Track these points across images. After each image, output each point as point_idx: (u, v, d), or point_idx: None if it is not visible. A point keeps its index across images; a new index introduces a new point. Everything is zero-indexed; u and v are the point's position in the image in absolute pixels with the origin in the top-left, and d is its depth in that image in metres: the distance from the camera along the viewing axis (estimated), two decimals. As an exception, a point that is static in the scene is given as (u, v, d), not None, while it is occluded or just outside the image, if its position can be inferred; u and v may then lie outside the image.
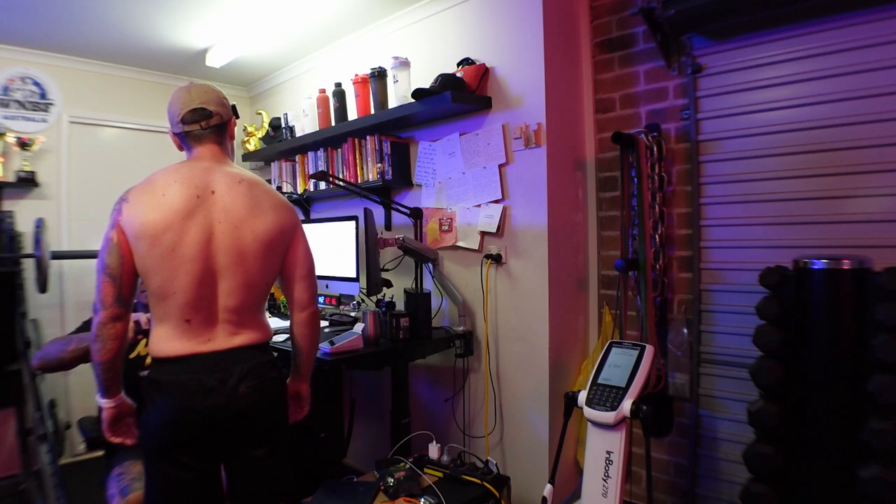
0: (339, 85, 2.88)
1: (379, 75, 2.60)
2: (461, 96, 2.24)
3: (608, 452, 1.71)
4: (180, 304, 1.31)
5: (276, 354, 1.66)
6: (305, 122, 3.09)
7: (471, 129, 2.42)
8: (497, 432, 2.39)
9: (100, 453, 2.51)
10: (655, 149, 2.09)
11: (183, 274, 1.30)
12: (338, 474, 2.06)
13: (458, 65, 2.37)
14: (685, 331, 2.10)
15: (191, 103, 1.38)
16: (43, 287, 2.56)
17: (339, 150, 2.94)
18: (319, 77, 3.25)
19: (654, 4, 1.92)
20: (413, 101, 2.35)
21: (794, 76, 1.84)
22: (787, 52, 1.85)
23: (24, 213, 2.87)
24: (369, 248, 2.26)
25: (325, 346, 1.97)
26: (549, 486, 1.84)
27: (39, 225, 2.58)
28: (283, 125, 3.28)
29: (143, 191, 1.32)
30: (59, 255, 2.80)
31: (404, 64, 2.47)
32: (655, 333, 2.06)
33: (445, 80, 2.24)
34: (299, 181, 3.29)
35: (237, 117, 1.52)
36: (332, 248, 2.78)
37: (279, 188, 3.34)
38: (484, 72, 2.32)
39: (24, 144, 2.92)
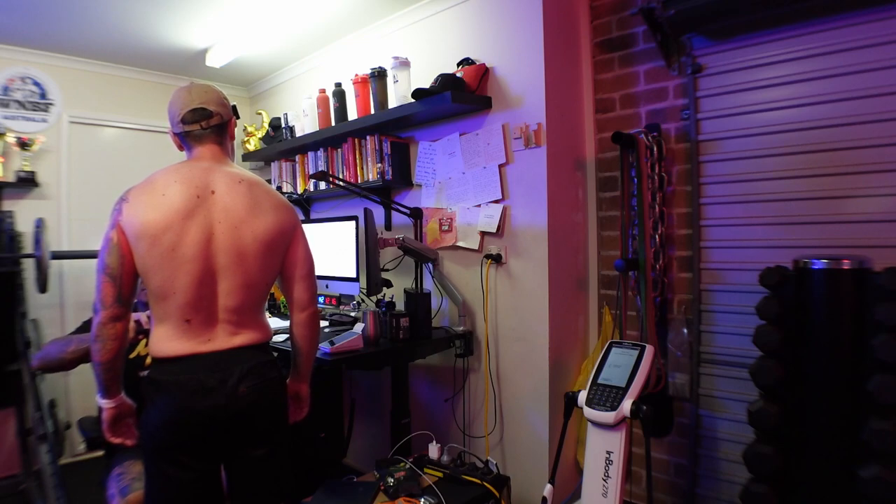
0: (339, 85, 2.88)
1: (379, 75, 2.60)
2: (461, 96, 2.24)
3: (608, 452, 1.71)
4: (180, 304, 1.31)
5: (276, 354, 1.66)
6: (305, 122, 3.09)
7: (471, 129, 2.42)
8: (497, 432, 2.39)
9: (100, 453, 2.51)
10: (655, 149, 2.09)
11: (183, 274, 1.30)
12: (338, 474, 2.06)
13: (458, 65, 2.37)
14: (685, 331, 2.10)
15: (191, 103, 1.38)
16: (43, 287, 2.56)
17: (339, 150, 2.94)
18: (319, 77, 3.25)
19: (654, 4, 1.92)
20: (413, 101, 2.35)
21: (794, 76, 1.84)
22: (787, 52, 1.85)
23: (24, 213, 2.87)
24: (369, 248, 2.26)
25: (325, 346, 1.97)
26: (549, 486, 1.84)
27: (39, 225, 2.58)
28: (283, 125, 3.28)
29: (143, 191, 1.32)
30: (59, 255, 2.80)
31: (404, 64, 2.47)
32: (655, 333, 2.06)
33: (445, 80, 2.24)
34: (299, 181, 3.29)
35: (237, 117, 1.52)
36: (332, 248, 2.78)
37: (279, 188, 3.34)
38: (484, 72, 2.32)
39: (24, 144, 2.92)
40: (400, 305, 2.46)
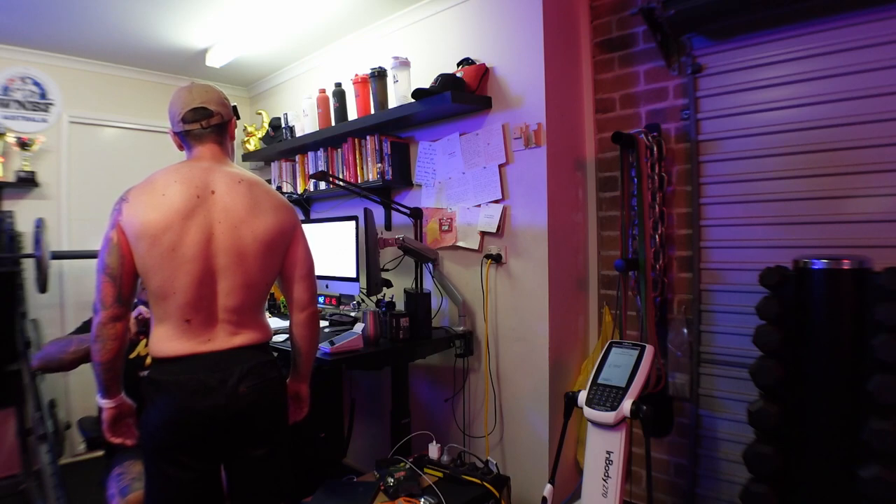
0: (339, 85, 2.88)
1: (379, 75, 2.60)
2: (461, 96, 2.24)
3: (608, 452, 1.71)
4: (180, 304, 1.31)
5: (276, 354, 1.66)
6: (305, 122, 3.09)
7: (471, 129, 2.42)
8: (497, 432, 2.39)
9: (100, 453, 2.51)
10: (655, 149, 2.09)
11: (183, 274, 1.30)
12: (338, 474, 2.06)
13: (458, 65, 2.37)
14: (685, 331, 2.10)
15: (192, 102, 1.38)
16: (43, 287, 2.56)
17: (339, 150, 2.94)
18: (319, 77, 3.25)
19: (654, 4, 1.92)
20: (413, 101, 2.35)
21: (794, 76, 1.84)
22: (787, 52, 1.85)
23: (24, 213, 2.87)
24: (369, 248, 2.26)
25: (325, 346, 1.97)
26: (549, 486, 1.84)
27: (39, 225, 2.58)
28: (283, 125, 3.28)
29: (143, 191, 1.32)
30: (59, 255, 2.80)
31: (404, 64, 2.47)
32: (655, 333, 2.06)
33: (445, 80, 2.24)
34: (299, 181, 3.29)
35: (238, 118, 1.52)
36: (332, 248, 2.78)
37: (279, 188, 3.34)
38: (484, 72, 2.32)
39: (24, 144, 2.92)
40: (400, 305, 2.46)
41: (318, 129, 2.98)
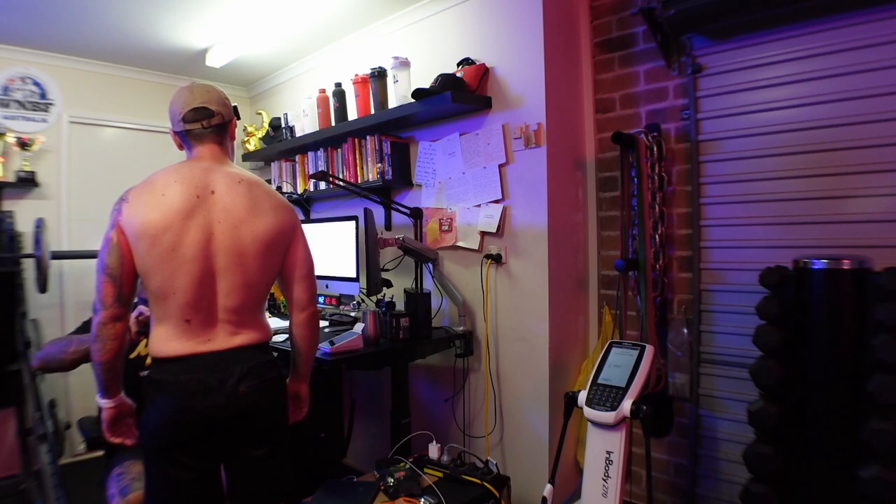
0: (339, 85, 2.88)
1: (379, 75, 2.60)
2: (461, 96, 2.24)
3: (608, 452, 1.71)
4: (180, 304, 1.31)
5: (276, 354, 1.66)
6: (305, 122, 3.09)
7: (471, 129, 2.42)
8: (497, 432, 2.39)
9: (100, 453, 2.50)
10: (655, 149, 2.09)
11: (183, 274, 1.30)
12: (338, 474, 2.06)
13: (458, 65, 2.37)
14: (685, 331, 2.10)
15: (193, 102, 1.38)
16: (43, 287, 2.56)
17: (339, 150, 2.94)
18: (319, 77, 3.25)
19: (654, 4, 1.92)
20: (413, 101, 2.35)
21: (794, 76, 1.84)
22: (787, 52, 1.85)
23: (24, 213, 2.87)
24: (369, 248, 2.26)
25: (325, 346, 1.97)
26: (549, 486, 1.84)
27: (39, 225, 2.58)
28: (283, 125, 3.28)
29: (143, 191, 1.32)
30: (59, 255, 2.80)
31: (404, 64, 2.47)
32: (655, 333, 2.06)
33: (445, 80, 2.24)
34: (299, 181, 3.29)
35: (238, 118, 1.52)
36: (332, 248, 2.78)
37: (279, 188, 3.34)
38: (484, 72, 2.32)
39: (24, 144, 2.92)
40: (400, 305, 2.46)
41: (318, 129, 2.98)
